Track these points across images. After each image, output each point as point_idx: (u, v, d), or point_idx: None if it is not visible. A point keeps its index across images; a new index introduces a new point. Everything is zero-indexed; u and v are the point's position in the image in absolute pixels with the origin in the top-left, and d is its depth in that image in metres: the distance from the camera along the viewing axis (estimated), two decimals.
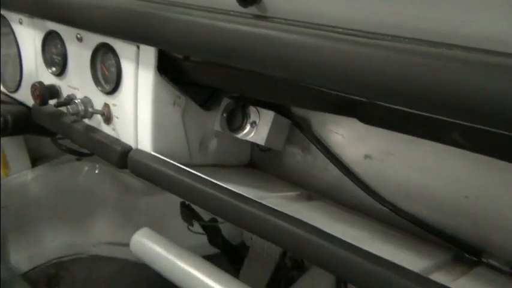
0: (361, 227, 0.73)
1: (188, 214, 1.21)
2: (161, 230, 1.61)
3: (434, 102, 0.39)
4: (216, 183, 0.66)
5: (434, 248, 0.70)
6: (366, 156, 0.78)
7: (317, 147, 0.82)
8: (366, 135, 0.77)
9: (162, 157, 0.73)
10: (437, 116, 0.47)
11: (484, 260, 0.67)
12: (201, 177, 0.67)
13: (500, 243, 0.66)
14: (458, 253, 0.69)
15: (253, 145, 0.96)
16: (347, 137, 0.80)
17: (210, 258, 1.76)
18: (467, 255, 0.69)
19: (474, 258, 0.68)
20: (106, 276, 1.62)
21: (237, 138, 0.82)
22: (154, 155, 0.73)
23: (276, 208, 0.61)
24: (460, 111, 0.39)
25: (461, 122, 0.47)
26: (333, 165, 0.80)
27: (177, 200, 1.17)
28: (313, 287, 1.37)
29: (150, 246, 0.69)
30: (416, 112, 0.50)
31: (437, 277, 0.58)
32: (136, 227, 1.62)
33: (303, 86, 0.57)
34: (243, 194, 0.63)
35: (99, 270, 1.63)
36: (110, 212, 1.63)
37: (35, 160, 1.57)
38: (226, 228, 1.39)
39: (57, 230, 1.59)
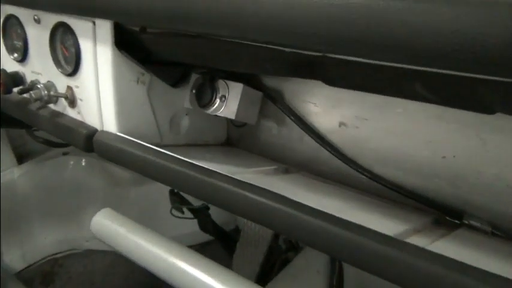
0: (339, 197, 0.71)
1: (177, 201, 1.20)
2: (154, 219, 1.60)
3: (384, 44, 0.36)
4: (183, 160, 0.63)
5: (415, 213, 0.68)
6: (341, 124, 0.75)
7: (291, 119, 0.79)
8: (339, 102, 0.75)
9: (127, 137, 0.70)
10: (398, 66, 0.45)
11: (465, 221, 0.64)
12: (168, 154, 0.65)
13: (481, 203, 0.64)
14: (439, 217, 0.67)
15: (229, 122, 0.94)
16: (320, 105, 0.77)
17: (204, 245, 1.77)
18: (448, 218, 0.67)
19: (455, 221, 0.66)
20: (101, 270, 1.61)
21: (210, 115, 0.79)
22: (119, 136, 0.71)
23: (248, 182, 0.58)
24: (413, 51, 0.36)
25: (421, 69, 0.44)
26: (308, 136, 0.78)
27: (167, 189, 1.15)
28: (308, 265, 1.36)
29: (110, 227, 0.66)
30: (378, 66, 0.47)
31: (415, 240, 0.55)
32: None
33: (261, 48, 0.54)
34: (214, 169, 0.61)
35: (93, 264, 1.63)
36: (100, 205, 1.58)
37: (21, 157, 1.55)
38: (220, 214, 1.37)
39: (49, 226, 1.58)
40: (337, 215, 0.51)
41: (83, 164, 1.61)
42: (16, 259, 1.51)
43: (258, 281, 1.25)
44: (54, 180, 1.57)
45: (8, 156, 1.49)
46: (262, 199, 0.55)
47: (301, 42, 0.41)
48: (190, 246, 1.55)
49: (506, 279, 0.40)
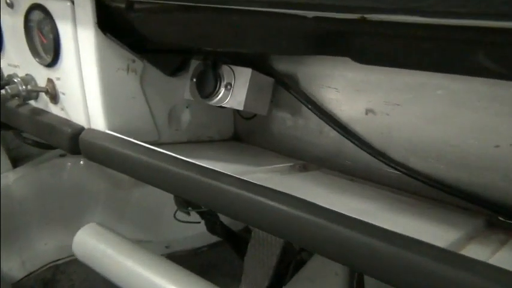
0: (367, 197, 0.62)
1: (182, 202, 1.13)
2: (158, 222, 1.55)
3: None
4: (183, 160, 0.55)
5: (461, 215, 0.59)
6: (368, 111, 0.66)
7: (308, 107, 0.70)
8: (365, 85, 0.66)
9: (118, 135, 0.62)
10: (456, 28, 0.34)
11: None
12: (165, 154, 0.57)
13: None
14: (491, 217, 0.58)
15: (236, 114, 0.85)
16: (342, 90, 0.68)
17: (212, 247, 1.71)
18: (502, 219, 0.57)
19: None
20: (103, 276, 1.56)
21: (214, 107, 0.71)
22: (109, 134, 0.63)
23: (260, 183, 0.50)
24: None
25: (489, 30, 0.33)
26: (328, 127, 0.69)
27: None
28: (325, 267, 1.30)
29: (93, 246, 0.57)
30: (428, 31, 0.37)
31: (471, 251, 0.46)
32: (131, 222, 1.56)
33: (275, 17, 0.44)
34: (220, 170, 0.53)
35: (96, 271, 1.58)
36: (101, 209, 1.58)
37: (16, 160, 1.51)
38: None
39: (48, 232, 1.54)
40: (368, 220, 0.42)
41: (82, 165, 1.55)
42: (15, 267, 1.46)
43: (271, 284, 1.20)
44: (51, 183, 1.52)
45: (3, 160, 1.45)
46: (278, 204, 0.47)
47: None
48: (198, 249, 1.48)
49: None
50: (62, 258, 1.55)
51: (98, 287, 1.51)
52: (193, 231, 1.44)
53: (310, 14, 0.38)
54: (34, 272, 1.50)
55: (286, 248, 1.20)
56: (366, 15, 0.35)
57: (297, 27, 0.43)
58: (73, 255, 1.55)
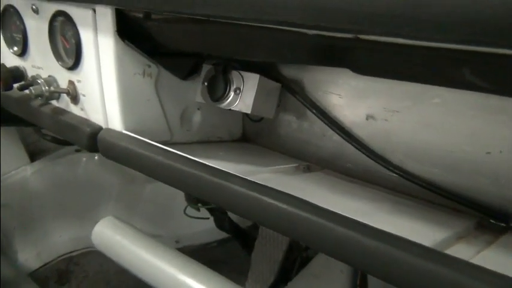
0: (366, 199, 0.64)
1: (192, 198, 1.16)
2: (169, 217, 1.57)
3: (432, 20, 0.29)
4: (193, 160, 0.58)
5: (454, 216, 0.61)
6: (368, 117, 0.68)
7: (312, 112, 0.72)
8: (366, 92, 0.68)
9: (133, 135, 0.65)
10: (443, 47, 0.37)
11: None
12: (177, 154, 0.59)
13: None
14: (482, 220, 0.60)
15: (245, 117, 0.88)
16: (345, 96, 0.71)
17: (222, 242, 1.73)
18: (493, 221, 0.59)
19: (501, 224, 0.59)
20: (117, 268, 1.59)
21: (224, 110, 0.73)
22: (125, 134, 0.66)
23: (264, 184, 0.52)
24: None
25: (471, 51, 0.37)
26: (331, 131, 0.72)
27: None
28: (330, 264, 1.31)
29: (112, 238, 0.61)
30: (418, 49, 0.40)
31: (457, 250, 0.49)
32: (142, 217, 1.59)
33: (280, 32, 0.47)
34: (229, 170, 0.55)
35: (109, 262, 1.60)
36: (114, 202, 1.61)
37: (34, 155, 1.54)
38: None
39: (63, 224, 1.57)
40: (365, 220, 0.45)
41: (96, 160, 1.59)
42: (31, 258, 1.49)
43: (277, 280, 1.21)
44: (67, 177, 1.55)
45: (21, 154, 1.48)
46: (280, 204, 0.49)
47: (329, 22, 0.33)
48: (207, 244, 1.51)
49: None
50: (76, 250, 1.59)
51: (110, 278, 1.53)
52: (203, 227, 1.44)
53: (310, 31, 0.42)
54: (49, 262, 1.53)
55: (292, 245, 1.22)
56: (358, 35, 0.39)
57: (300, 42, 0.46)
58: (87, 247, 1.60)
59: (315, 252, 1.39)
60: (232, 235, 1.34)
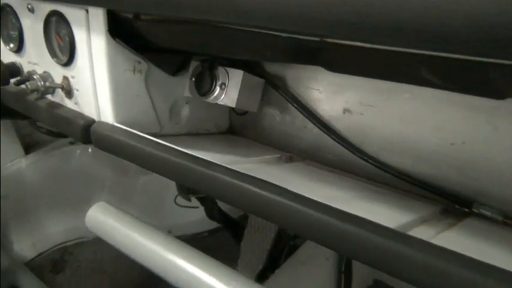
0: (343, 187, 0.68)
1: (184, 189, 1.19)
2: (161, 207, 1.60)
3: (386, 27, 0.34)
4: (181, 151, 0.61)
5: (423, 203, 0.65)
6: (345, 111, 0.72)
7: (294, 106, 0.77)
8: (343, 88, 0.72)
9: (125, 128, 0.68)
10: (401, 50, 0.42)
11: (475, 210, 0.62)
12: (166, 145, 0.63)
13: (492, 191, 0.61)
14: (448, 206, 0.64)
15: (231, 110, 0.91)
16: (324, 91, 0.75)
17: (212, 232, 1.76)
18: (457, 207, 0.64)
19: (465, 209, 0.63)
20: (110, 257, 1.62)
21: (211, 104, 0.77)
22: (116, 126, 0.69)
23: (247, 173, 0.56)
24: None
25: (426, 53, 0.41)
26: (312, 124, 0.76)
27: None
28: (317, 252, 1.35)
29: (105, 221, 0.65)
30: (380, 51, 0.44)
31: (420, 231, 0.53)
32: (135, 207, 1.61)
33: (258, 34, 0.51)
34: (215, 160, 0.59)
35: (103, 252, 1.64)
36: (108, 194, 1.63)
37: (28, 147, 1.55)
38: None
39: (58, 215, 1.59)
40: (341, 206, 0.49)
41: (90, 153, 1.61)
42: (27, 248, 1.52)
43: (265, 268, 1.24)
44: (61, 169, 1.57)
45: (16, 147, 1.49)
46: (262, 192, 0.53)
47: (297, 27, 0.38)
48: (198, 234, 1.54)
49: None
50: (71, 240, 1.61)
51: (104, 267, 1.56)
52: (194, 218, 1.49)
53: (283, 34, 0.46)
54: (44, 252, 1.55)
55: (280, 234, 1.25)
56: (323, 39, 0.43)
57: (276, 43, 0.50)
58: (81, 237, 1.63)
59: (303, 241, 1.43)
60: (222, 225, 1.37)
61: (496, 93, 0.43)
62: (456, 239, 0.53)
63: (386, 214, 0.58)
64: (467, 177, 0.63)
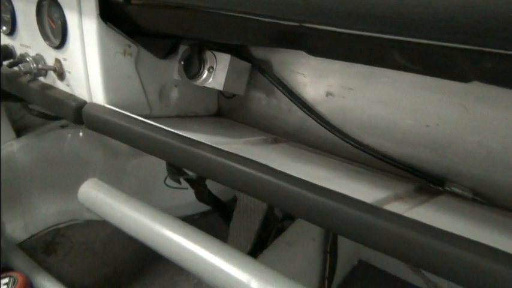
0: (325, 166, 0.71)
1: (174, 171, 1.21)
2: (152, 190, 1.62)
3: (359, 13, 0.36)
4: (169, 130, 0.64)
5: (399, 181, 0.69)
6: (328, 94, 0.76)
7: (279, 89, 0.79)
8: (326, 72, 0.75)
9: (115, 109, 0.71)
10: (377, 36, 0.45)
11: (447, 188, 0.66)
12: (154, 125, 0.66)
13: (463, 170, 0.65)
14: (422, 184, 0.68)
15: (220, 93, 0.94)
16: (308, 75, 0.78)
17: (203, 215, 1.79)
18: (431, 186, 0.67)
19: (438, 188, 0.67)
20: (102, 239, 1.65)
21: (200, 87, 0.79)
22: (107, 108, 0.72)
23: (234, 152, 0.59)
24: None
25: (398, 39, 0.44)
26: (296, 107, 0.79)
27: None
28: (303, 233, 1.39)
29: (96, 196, 0.68)
30: (357, 36, 0.47)
31: (394, 206, 0.56)
32: (126, 190, 1.64)
33: (241, 19, 0.54)
34: (202, 141, 0.61)
35: (94, 234, 1.66)
36: (99, 177, 1.63)
37: (20, 130, 1.57)
38: (218, 185, 1.38)
39: (50, 198, 1.62)
40: (322, 183, 0.52)
41: (81, 137, 1.63)
42: (19, 230, 1.55)
43: (253, 248, 1.27)
44: (52, 152, 1.59)
45: (7, 130, 1.50)
46: (247, 169, 0.56)
47: (276, 12, 0.41)
48: (189, 216, 1.56)
49: (480, 244, 0.41)
50: (62, 223, 1.65)
51: (95, 248, 1.58)
52: (185, 200, 1.51)
53: (265, 19, 0.49)
54: (36, 234, 1.58)
55: (268, 216, 1.29)
56: (302, 24, 0.46)
57: (259, 28, 0.53)
58: (73, 220, 1.65)
59: (290, 223, 1.47)
60: (212, 207, 1.39)
61: (461, 76, 0.47)
62: (427, 213, 0.57)
63: (364, 191, 0.61)
64: (440, 157, 0.66)
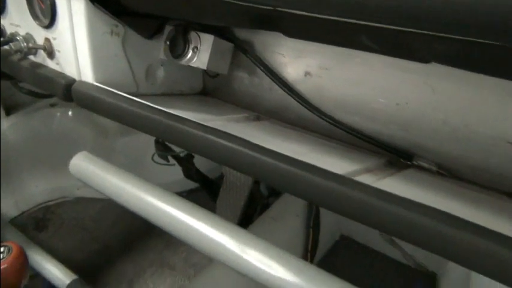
0: (303, 142, 0.76)
1: (162, 149, 1.24)
2: (140, 168, 1.65)
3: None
4: (155, 107, 0.68)
5: (371, 156, 0.73)
6: (306, 74, 0.79)
7: (261, 69, 0.83)
8: (304, 53, 0.79)
9: (103, 86, 0.74)
10: (346, 20, 0.48)
11: (415, 162, 0.70)
12: (141, 102, 0.69)
13: (429, 146, 0.69)
14: (392, 158, 0.72)
15: (205, 73, 0.97)
16: (288, 56, 0.81)
17: (190, 192, 1.81)
18: (400, 160, 0.72)
19: (406, 162, 0.72)
20: (91, 216, 1.69)
21: (185, 66, 0.83)
22: (96, 85, 0.75)
23: (217, 128, 0.63)
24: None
25: (365, 23, 0.48)
26: (277, 86, 0.83)
27: (153, 139, 1.19)
28: (288, 209, 1.44)
29: (87, 167, 0.72)
30: (327, 19, 0.51)
31: (364, 178, 0.61)
32: None
33: (222, 3, 0.57)
34: (187, 117, 0.65)
35: (84, 211, 1.70)
36: None
37: (9, 109, 1.59)
38: (205, 162, 1.42)
39: (39, 175, 1.64)
40: (299, 157, 0.56)
41: (70, 115, 1.65)
42: (9, 207, 1.58)
43: (240, 224, 1.31)
44: (42, 131, 1.61)
45: None
46: (229, 144, 0.60)
47: None
48: (177, 193, 1.60)
49: (442, 212, 0.45)
50: (53, 200, 1.69)
51: (85, 225, 1.62)
52: (173, 178, 1.53)
53: (242, 2, 0.52)
54: (27, 211, 1.62)
55: (253, 192, 1.33)
56: (276, 8, 0.50)
57: (237, 10, 0.57)
58: (63, 197, 1.67)
59: (275, 199, 1.51)
60: (199, 184, 1.43)
61: (421, 57, 0.51)
62: (393, 184, 0.61)
63: (337, 164, 0.65)
64: (409, 133, 0.71)
